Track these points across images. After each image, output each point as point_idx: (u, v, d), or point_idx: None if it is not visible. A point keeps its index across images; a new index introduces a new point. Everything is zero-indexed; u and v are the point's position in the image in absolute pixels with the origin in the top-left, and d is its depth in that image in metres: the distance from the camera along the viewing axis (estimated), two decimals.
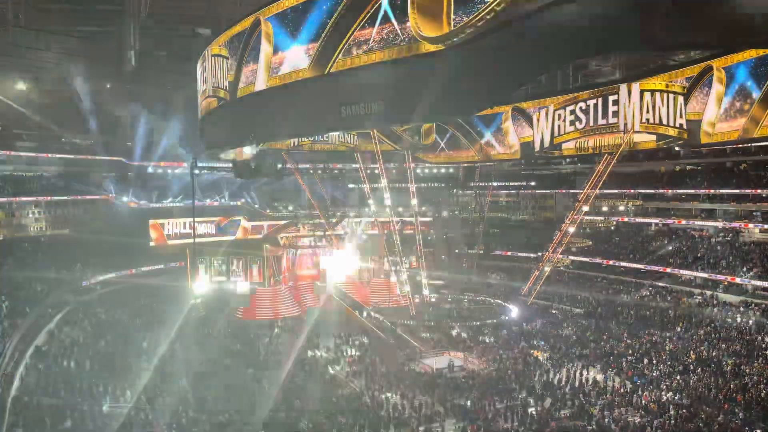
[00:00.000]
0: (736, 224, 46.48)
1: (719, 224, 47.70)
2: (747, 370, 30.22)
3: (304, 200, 57.45)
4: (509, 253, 59.76)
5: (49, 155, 53.80)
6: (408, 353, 36.48)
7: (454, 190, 68.68)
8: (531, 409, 26.64)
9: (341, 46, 15.66)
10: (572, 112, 40.16)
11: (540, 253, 52.06)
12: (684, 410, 25.84)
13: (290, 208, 62.89)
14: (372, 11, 14.56)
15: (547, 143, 42.34)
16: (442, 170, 67.51)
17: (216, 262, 50.68)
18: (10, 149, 50.72)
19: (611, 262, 51.51)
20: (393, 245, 49.01)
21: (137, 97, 54.97)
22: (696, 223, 49.65)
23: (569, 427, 24.53)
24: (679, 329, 38.10)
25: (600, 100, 38.16)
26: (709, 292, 42.73)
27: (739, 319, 38.11)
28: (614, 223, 56.08)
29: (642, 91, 35.59)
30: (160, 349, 35.15)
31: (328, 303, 49.75)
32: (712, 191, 48.45)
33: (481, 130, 48.39)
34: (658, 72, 35.68)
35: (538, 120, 42.86)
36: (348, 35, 15.37)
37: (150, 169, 59.80)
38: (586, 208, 47.35)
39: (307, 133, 34.36)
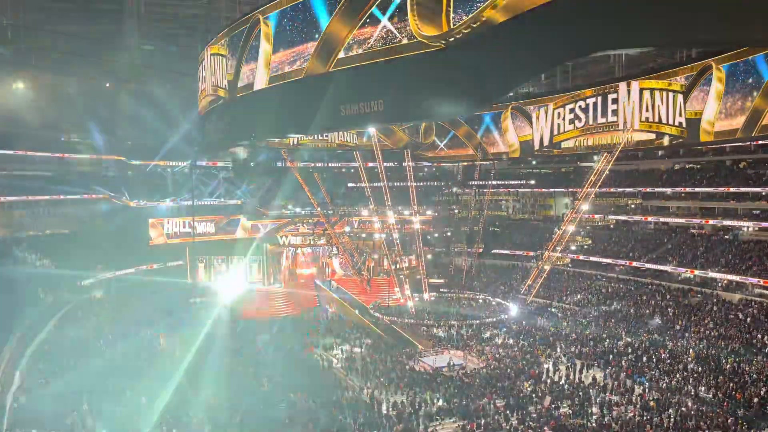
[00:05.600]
0: (735, 222, 46.54)
1: (718, 222, 47.76)
2: (746, 368, 30.26)
3: (304, 199, 57.49)
4: (509, 252, 59.81)
5: (49, 154, 53.74)
6: (408, 352, 36.52)
7: (454, 189, 68.69)
8: (531, 408, 26.66)
9: (341, 45, 15.66)
10: (572, 110, 40.18)
11: (539, 252, 52.12)
12: (683, 408, 25.88)
13: (290, 207, 62.91)
14: (372, 11, 14.57)
15: (546, 141, 42.37)
16: (442, 169, 67.53)
17: (216, 261, 50.78)
18: (9, 149, 50.63)
19: (610, 261, 51.55)
20: (392, 244, 49.09)
21: (136, 97, 54.96)
22: (695, 221, 49.70)
23: (569, 426, 24.56)
24: (678, 327, 38.15)
25: (600, 99, 38.17)
26: (708, 291, 42.76)
27: (738, 317, 38.13)
28: (614, 221, 56.17)
29: (642, 90, 35.60)
30: (160, 349, 35.20)
31: (328, 302, 49.87)
32: (711, 189, 48.50)
33: (480, 129, 48.46)
34: (658, 70, 35.70)
35: (537, 118, 42.88)
36: (347, 34, 15.37)
37: (150, 169, 59.80)
38: (585, 207, 47.39)
39: (307, 131, 34.39)
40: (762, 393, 26.86)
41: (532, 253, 55.59)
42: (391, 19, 14.14)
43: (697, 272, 44.42)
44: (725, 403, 26.42)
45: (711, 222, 48.38)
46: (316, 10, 16.48)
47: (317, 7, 16.42)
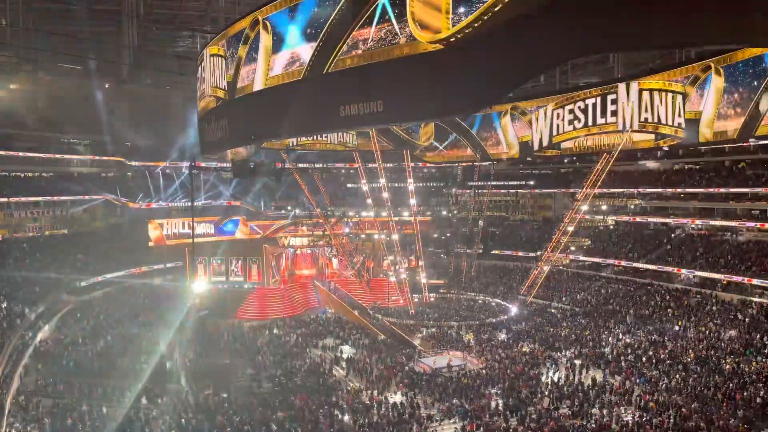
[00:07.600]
0: (734, 223, 46.54)
1: (718, 223, 47.76)
2: (746, 369, 30.25)
3: (303, 200, 57.49)
4: (508, 252, 59.77)
5: (48, 155, 53.73)
6: (407, 352, 36.48)
7: (453, 190, 68.70)
8: (530, 408, 26.63)
9: (340, 46, 15.64)
10: (571, 111, 40.15)
11: (539, 253, 52.07)
12: (683, 409, 25.85)
13: (289, 208, 62.91)
14: (371, 10, 14.55)
15: (546, 142, 42.36)
16: (441, 169, 67.52)
17: (215, 262, 50.78)
18: (9, 149, 50.63)
19: (610, 261, 51.53)
20: (392, 245, 49.04)
21: (136, 97, 54.96)
22: (694, 221, 49.70)
23: (568, 426, 24.53)
24: (677, 328, 38.13)
25: (599, 100, 38.14)
26: (707, 291, 42.75)
27: (738, 318, 38.12)
28: (613, 221, 56.16)
29: (641, 90, 35.57)
30: (159, 349, 35.16)
31: (328, 302, 49.83)
32: (710, 190, 48.50)
33: (479, 129, 48.44)
34: (658, 71, 35.70)
35: (536, 119, 42.87)
36: (347, 34, 15.35)
37: (149, 169, 59.78)
38: (584, 207, 47.38)
39: (306, 132, 34.37)
40: (762, 393, 26.83)
41: (531, 254, 55.55)
42: (390, 19, 14.13)
43: (696, 272, 44.41)
44: (725, 404, 26.39)
45: (710, 222, 48.36)
46: (315, 11, 16.44)
47: (316, 7, 16.39)
